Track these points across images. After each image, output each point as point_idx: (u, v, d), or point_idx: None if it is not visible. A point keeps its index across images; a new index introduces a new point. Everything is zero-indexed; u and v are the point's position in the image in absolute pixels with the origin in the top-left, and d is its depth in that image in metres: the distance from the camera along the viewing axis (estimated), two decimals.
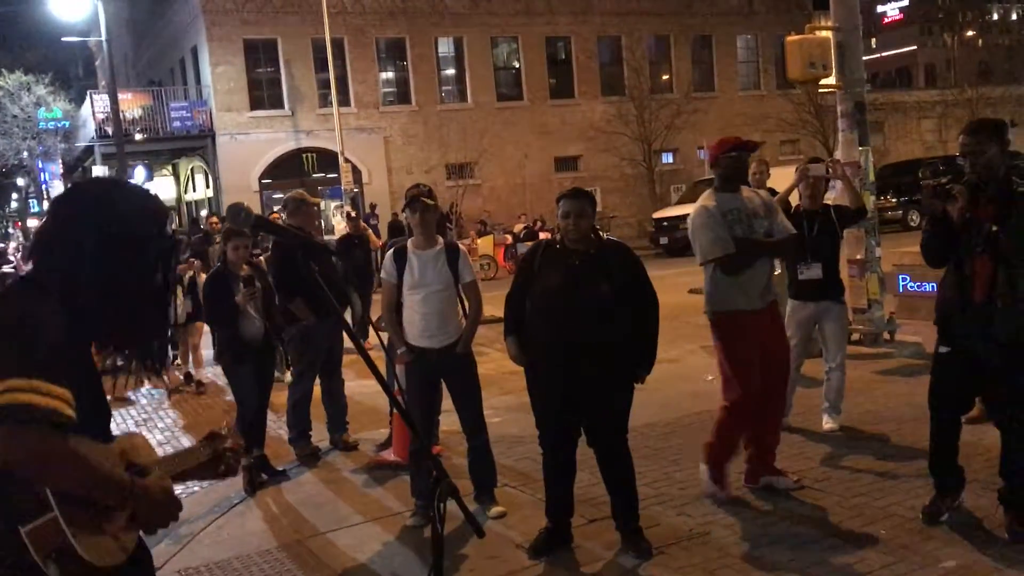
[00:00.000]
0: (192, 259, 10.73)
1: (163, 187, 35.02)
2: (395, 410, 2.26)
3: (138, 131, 27.95)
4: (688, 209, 20.72)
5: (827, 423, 6.45)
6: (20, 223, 55.50)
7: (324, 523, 5.59)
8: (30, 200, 50.21)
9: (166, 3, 32.45)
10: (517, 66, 32.90)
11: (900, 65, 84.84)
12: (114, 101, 24.17)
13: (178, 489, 2.08)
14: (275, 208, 26.79)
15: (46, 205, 32.46)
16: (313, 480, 6.54)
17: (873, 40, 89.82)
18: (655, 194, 32.55)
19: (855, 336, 9.29)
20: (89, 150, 30.15)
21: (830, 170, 6.69)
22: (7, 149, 35.13)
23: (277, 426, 7.62)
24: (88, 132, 29.78)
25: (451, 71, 32.03)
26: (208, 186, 30.44)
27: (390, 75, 31.10)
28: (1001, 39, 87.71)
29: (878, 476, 5.39)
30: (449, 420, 6.20)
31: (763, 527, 4.85)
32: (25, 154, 35.63)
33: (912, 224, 25.91)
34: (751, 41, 36.69)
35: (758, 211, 5.16)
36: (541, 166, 31.99)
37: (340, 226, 20.49)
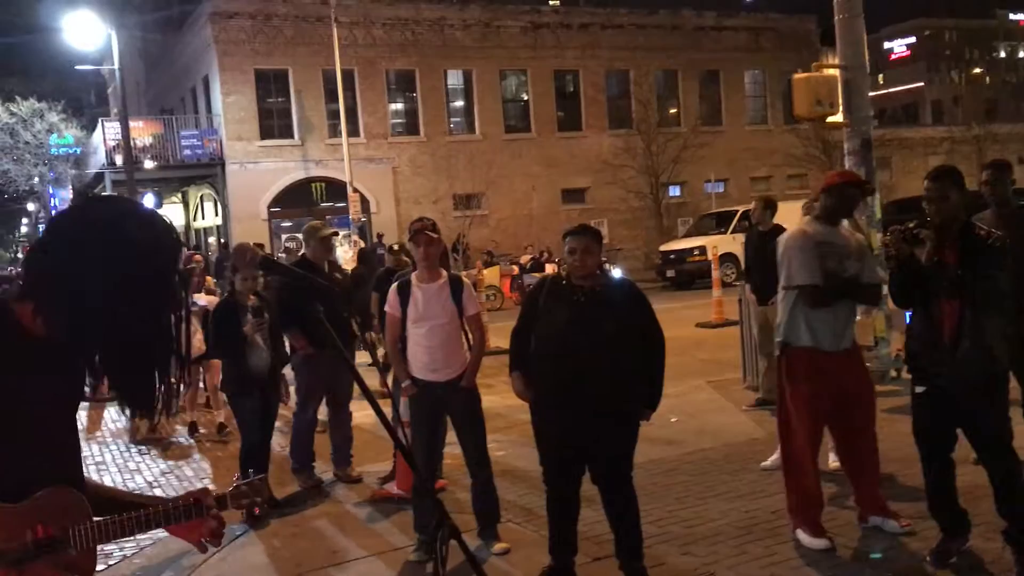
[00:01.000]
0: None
1: (172, 214, 35.21)
2: (401, 448, 2.25)
3: (148, 158, 28.16)
4: (695, 242, 20.87)
5: (833, 462, 6.40)
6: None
7: (326, 557, 5.55)
8: (40, 226, 50.55)
9: (178, 33, 32.83)
10: (525, 98, 33.13)
11: (907, 101, 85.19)
12: (125, 128, 24.39)
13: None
14: (284, 238, 26.97)
15: None
16: (316, 513, 6.51)
17: (880, 76, 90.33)
18: (662, 227, 32.61)
19: None
20: (100, 177, 30.37)
21: None
22: (19, 175, 35.45)
23: (284, 456, 7.61)
24: (99, 159, 30.02)
25: (460, 103, 32.27)
26: (217, 214, 30.61)
27: (399, 106, 31.35)
28: (1008, 77, 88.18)
29: None
30: (453, 453, 6.18)
31: (768, 568, 4.80)
32: (36, 180, 35.94)
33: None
34: (758, 76, 36.93)
35: (851, 251, 5.05)
36: (548, 198, 32.11)
37: (347, 256, 20.51)
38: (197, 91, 31.48)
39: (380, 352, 7.67)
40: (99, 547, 1.87)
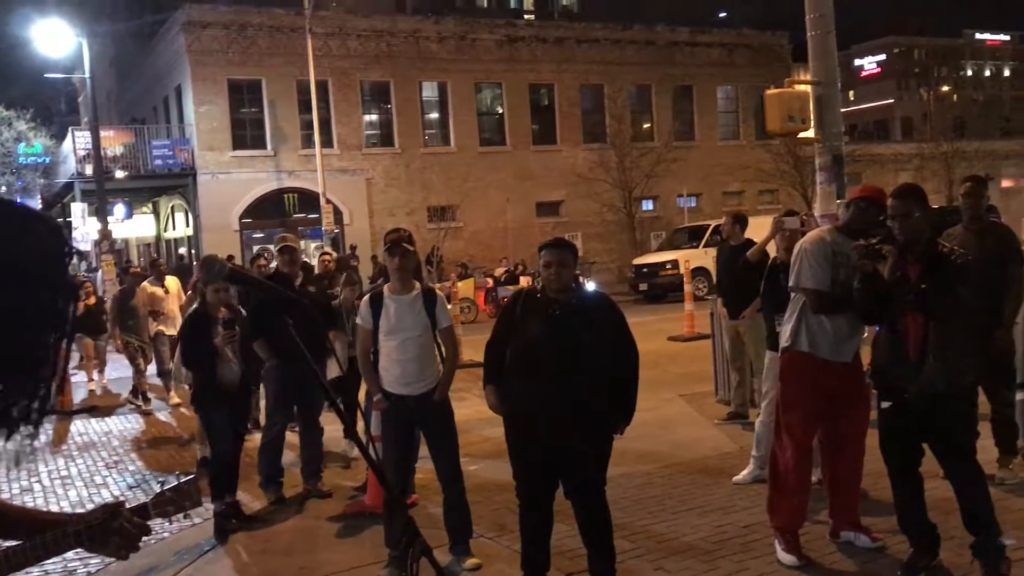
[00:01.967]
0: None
1: (143, 225, 34.93)
2: (371, 463, 2.21)
3: (119, 168, 27.89)
4: (667, 256, 20.96)
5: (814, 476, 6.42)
6: None
7: (295, 573, 5.48)
8: None
9: (151, 42, 32.60)
10: (500, 112, 33.20)
11: (878, 118, 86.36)
12: (96, 138, 24.14)
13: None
14: (255, 249, 26.77)
15: None
16: (285, 528, 6.43)
17: (851, 92, 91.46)
18: (635, 240, 32.74)
19: None
20: (69, 186, 30.02)
21: (804, 223, 6.74)
22: None
23: (255, 471, 7.51)
24: (68, 168, 29.69)
25: (435, 115, 32.27)
26: (188, 224, 30.36)
27: (374, 118, 31.30)
28: (975, 95, 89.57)
29: None
30: (425, 467, 6.14)
31: None
32: (3, 188, 35.42)
33: None
34: (731, 92, 37.25)
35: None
36: (523, 211, 32.14)
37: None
38: (169, 101, 31.26)
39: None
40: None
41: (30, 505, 6.73)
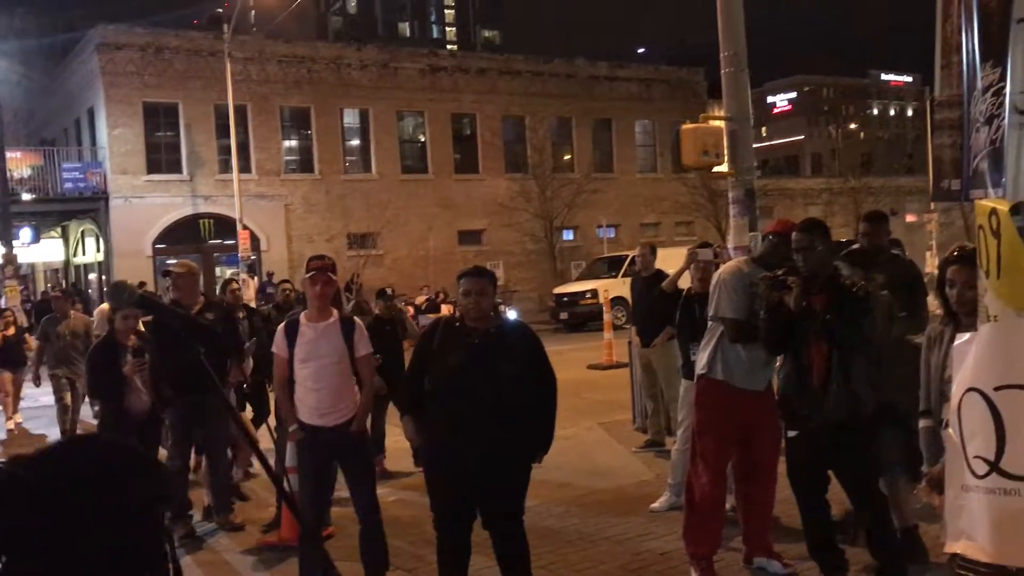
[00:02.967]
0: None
1: (51, 249, 33.77)
2: (284, 496, 2.17)
3: (26, 191, 26.97)
4: (587, 285, 21.13)
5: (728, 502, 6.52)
6: None
7: None
8: None
9: (63, 62, 31.74)
10: (422, 140, 33.24)
11: (789, 153, 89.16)
12: (1, 159, 23.33)
13: None
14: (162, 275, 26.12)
15: None
16: (193, 564, 6.23)
17: (764, 128, 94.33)
18: (556, 270, 33.02)
19: None
20: None
21: (717, 255, 6.89)
22: None
23: None
24: None
25: (356, 142, 32.13)
26: (99, 250, 29.48)
27: (293, 143, 30.99)
28: (881, 133, 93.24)
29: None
30: (341, 499, 6.03)
31: None
32: None
33: None
34: (648, 126, 38.04)
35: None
36: (445, 239, 32.14)
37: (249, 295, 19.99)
38: (81, 122, 30.42)
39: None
40: None
41: None
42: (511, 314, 20.58)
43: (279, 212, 29.67)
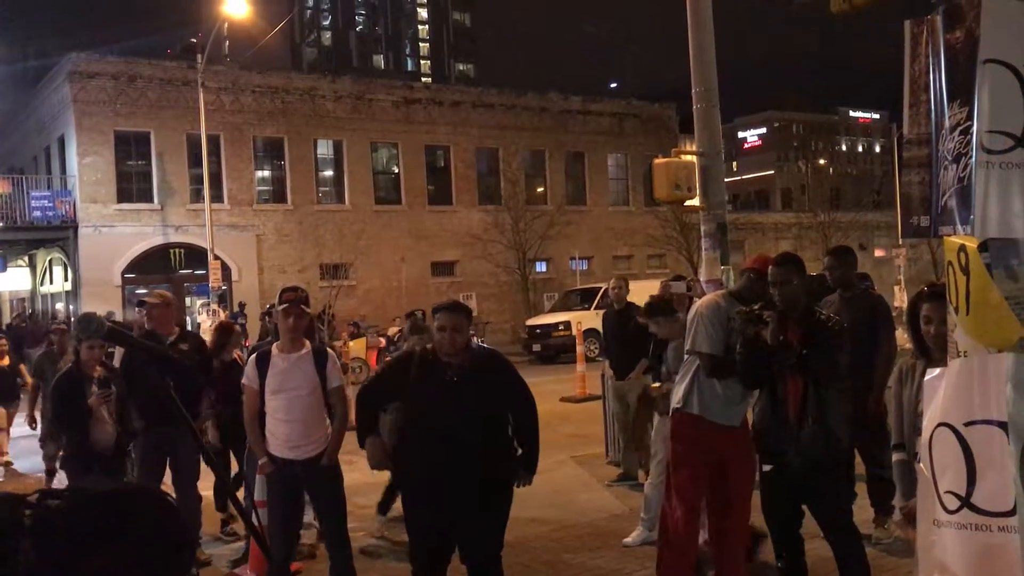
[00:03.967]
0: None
1: (18, 278, 33.32)
2: (251, 530, 2.13)
3: None
4: (560, 317, 21.11)
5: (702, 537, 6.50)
6: None
7: None
8: None
9: (34, 90, 31.53)
10: (396, 171, 33.29)
11: (759, 188, 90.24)
12: None
13: None
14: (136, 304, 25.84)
15: None
16: None
17: (735, 163, 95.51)
18: (528, 301, 33.06)
19: None
20: None
21: (690, 288, 6.93)
22: None
23: None
24: None
25: (329, 172, 32.12)
26: (67, 279, 29.13)
27: (266, 173, 30.92)
28: (849, 169, 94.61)
29: None
30: (311, 533, 5.95)
31: None
32: None
33: None
34: (621, 159, 38.37)
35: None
36: (418, 270, 32.10)
37: (206, 325, 19.81)
38: (51, 151, 30.16)
39: None
40: None
41: None
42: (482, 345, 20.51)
43: (251, 242, 29.52)
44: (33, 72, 31.50)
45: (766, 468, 4.75)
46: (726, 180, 10.81)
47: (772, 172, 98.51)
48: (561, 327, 25.23)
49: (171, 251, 28.46)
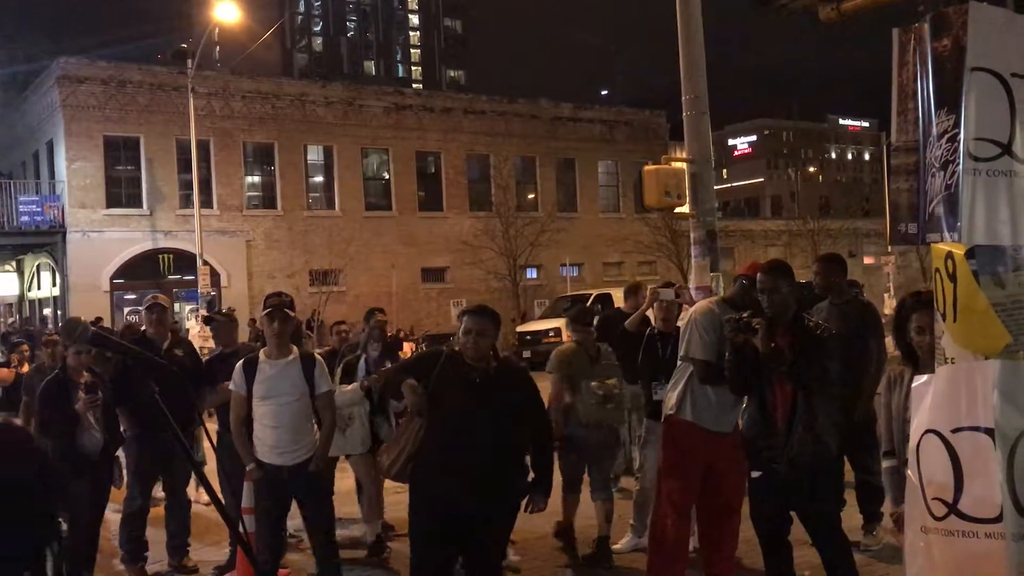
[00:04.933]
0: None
1: (6, 284, 33.17)
2: (237, 536, 2.12)
3: None
4: (550, 324, 21.08)
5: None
6: None
7: None
8: None
9: (22, 95, 31.42)
10: (387, 177, 33.27)
11: (749, 195, 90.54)
12: None
13: None
14: (126, 312, 25.80)
15: None
16: None
17: (724, 170, 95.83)
18: (519, 308, 33.04)
19: None
20: None
21: (679, 294, 6.93)
22: None
23: (113, 545, 7.08)
24: None
25: (319, 178, 32.08)
26: (55, 284, 29.00)
27: (256, 179, 30.86)
28: (839, 176, 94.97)
29: None
30: (299, 538, 5.92)
31: None
32: None
33: None
34: (611, 166, 38.45)
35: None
36: (408, 276, 32.06)
37: (195, 330, 19.74)
38: (40, 155, 30.05)
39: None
40: None
41: None
42: None
43: (240, 248, 29.45)
44: (22, 76, 31.41)
45: (755, 475, 4.75)
46: (716, 187, 10.83)
47: (762, 179, 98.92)
48: (552, 333, 25.24)
49: (160, 257, 28.37)
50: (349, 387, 6.68)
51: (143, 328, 7.35)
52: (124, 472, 6.77)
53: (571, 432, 6.40)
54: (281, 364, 5.18)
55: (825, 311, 6.33)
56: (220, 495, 2.43)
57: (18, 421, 8.39)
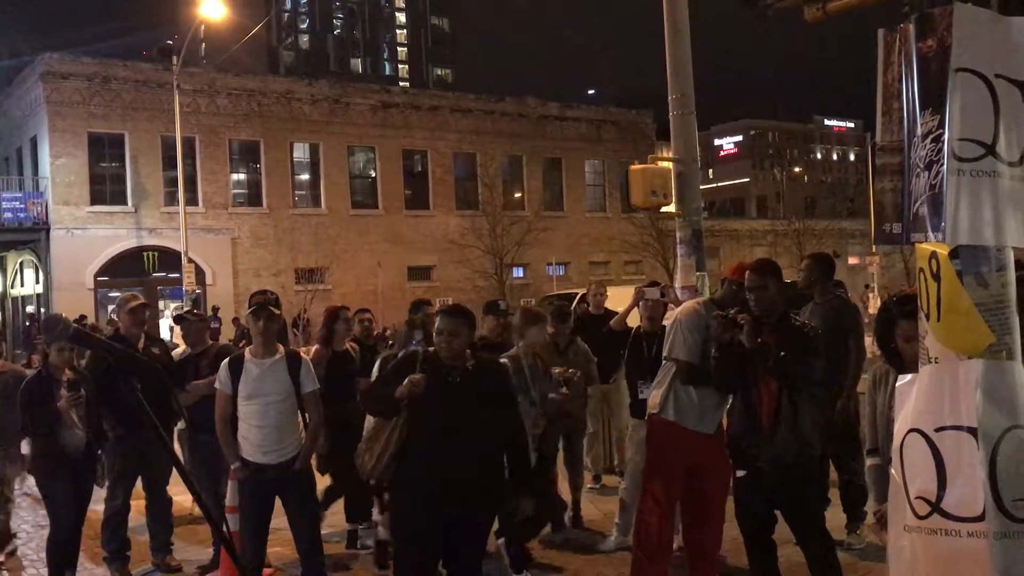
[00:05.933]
0: None
1: None
2: (220, 536, 2.11)
3: None
4: None
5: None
6: None
7: None
8: None
9: (6, 90, 31.21)
10: (373, 175, 33.21)
11: (735, 195, 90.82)
12: None
13: None
14: (110, 309, 25.63)
15: None
16: None
17: (711, 170, 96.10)
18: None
19: None
20: None
21: (664, 294, 6.95)
22: None
23: (95, 544, 7.04)
24: None
25: (306, 176, 31.99)
26: (38, 282, 28.80)
27: (242, 176, 30.76)
28: (824, 177, 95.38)
29: None
30: (285, 538, 5.89)
31: None
32: None
33: None
34: (598, 166, 38.51)
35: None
36: (394, 274, 32.02)
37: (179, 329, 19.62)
38: (23, 151, 29.86)
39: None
40: None
41: None
42: None
43: (226, 246, 29.33)
44: (5, 72, 31.22)
45: (740, 473, 4.77)
46: (702, 187, 10.86)
47: (748, 180, 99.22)
48: None
49: (145, 254, 28.25)
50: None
51: (117, 326, 7.27)
52: (106, 472, 6.72)
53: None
54: (267, 364, 5.15)
55: (808, 311, 6.36)
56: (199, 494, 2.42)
57: None
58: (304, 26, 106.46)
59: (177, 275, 26.02)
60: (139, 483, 6.75)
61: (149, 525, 6.80)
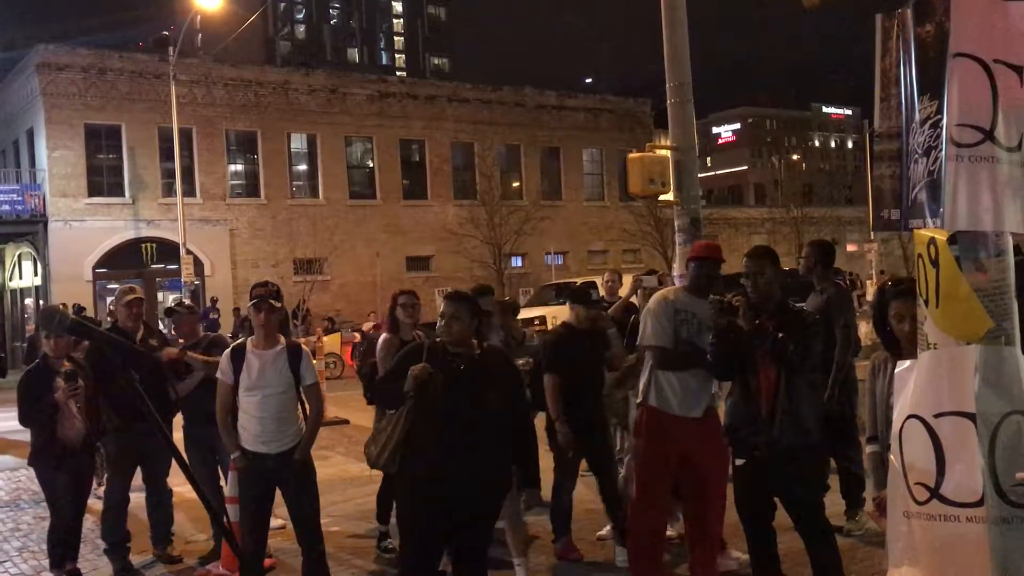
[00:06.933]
0: None
1: None
2: (220, 527, 2.12)
3: None
4: (536, 312, 21.08)
5: (673, 529, 6.52)
6: None
7: None
8: None
9: (2, 82, 31.11)
10: (371, 165, 33.15)
11: (733, 183, 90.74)
12: None
13: None
14: (109, 301, 25.59)
15: None
16: None
17: (708, 158, 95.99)
18: (504, 296, 33.03)
19: None
20: None
21: (662, 281, 6.96)
22: None
23: (96, 535, 7.05)
24: None
25: (303, 167, 31.93)
26: (36, 274, 28.77)
27: (239, 167, 30.69)
28: (822, 164, 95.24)
29: None
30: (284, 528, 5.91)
31: None
32: None
33: None
34: (596, 155, 38.45)
35: (712, 324, 4.90)
36: (393, 265, 32.00)
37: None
38: (20, 144, 29.78)
39: None
40: None
41: None
42: None
43: (224, 237, 29.30)
44: (0, 64, 31.06)
45: (739, 461, 4.77)
46: (700, 175, 10.85)
47: (746, 167, 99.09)
48: (537, 321, 25.21)
49: (143, 246, 28.21)
50: None
51: (116, 319, 7.24)
52: (106, 463, 6.73)
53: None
54: (268, 356, 5.15)
55: (810, 299, 6.38)
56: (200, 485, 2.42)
57: None
58: (300, 16, 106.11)
59: (175, 266, 26.00)
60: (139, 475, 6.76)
61: (149, 516, 6.81)
